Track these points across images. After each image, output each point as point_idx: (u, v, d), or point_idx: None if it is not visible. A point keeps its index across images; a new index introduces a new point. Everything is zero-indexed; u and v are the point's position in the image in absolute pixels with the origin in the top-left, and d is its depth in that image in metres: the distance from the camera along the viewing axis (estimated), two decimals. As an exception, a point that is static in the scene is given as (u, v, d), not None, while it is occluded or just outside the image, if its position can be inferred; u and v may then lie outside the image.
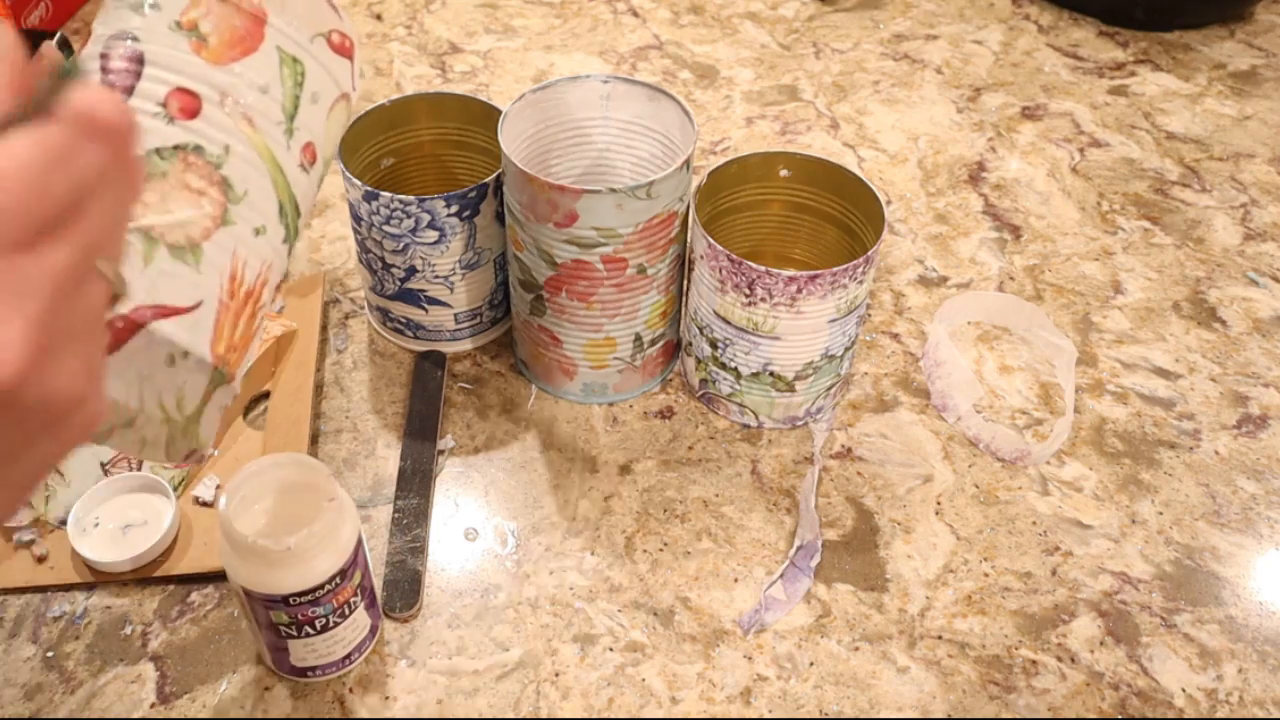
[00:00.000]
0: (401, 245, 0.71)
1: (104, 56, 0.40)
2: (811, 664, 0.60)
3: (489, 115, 0.75)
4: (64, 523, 0.63)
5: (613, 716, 0.58)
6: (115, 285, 0.30)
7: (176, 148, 0.38)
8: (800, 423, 0.73)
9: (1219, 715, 0.58)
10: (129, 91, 0.39)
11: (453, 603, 0.63)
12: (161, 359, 0.37)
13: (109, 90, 0.30)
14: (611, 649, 0.61)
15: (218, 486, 0.67)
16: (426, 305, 0.74)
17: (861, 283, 0.66)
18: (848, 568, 0.65)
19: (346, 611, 0.56)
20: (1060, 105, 1.04)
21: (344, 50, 0.44)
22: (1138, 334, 0.81)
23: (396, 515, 0.66)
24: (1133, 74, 1.09)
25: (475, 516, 0.67)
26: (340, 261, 0.85)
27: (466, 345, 0.78)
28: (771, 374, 0.69)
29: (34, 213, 0.26)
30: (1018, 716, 0.58)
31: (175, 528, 0.63)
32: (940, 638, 0.61)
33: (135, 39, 0.40)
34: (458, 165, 0.80)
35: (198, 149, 0.39)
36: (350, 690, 0.58)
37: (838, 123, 1.01)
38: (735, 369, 0.70)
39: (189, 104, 0.39)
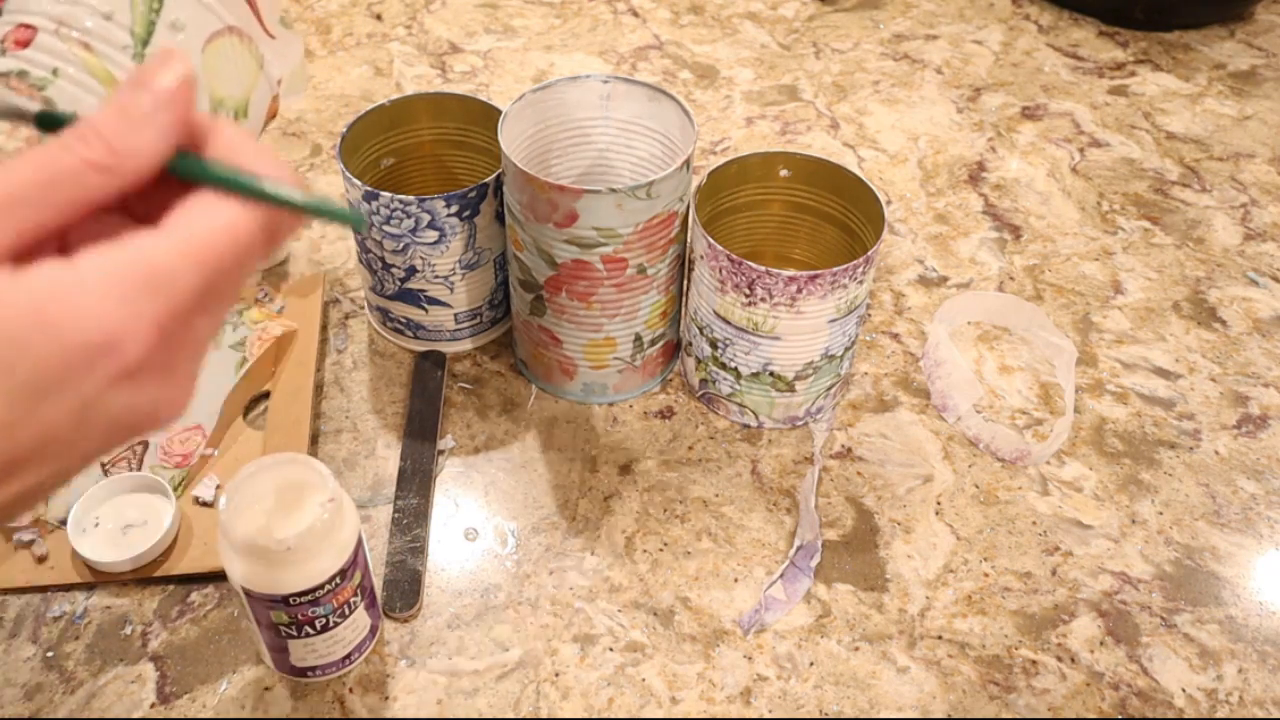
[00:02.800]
0: (401, 245, 0.71)
1: None
2: (811, 664, 0.60)
3: (489, 115, 0.74)
4: (64, 523, 0.63)
5: (613, 716, 0.58)
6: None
7: (0, 74, 0.38)
8: (800, 423, 0.73)
9: (1219, 715, 0.58)
10: None
11: (453, 603, 0.63)
12: None
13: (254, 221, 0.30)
14: (611, 649, 0.61)
15: (218, 486, 0.67)
16: (426, 305, 0.74)
17: (861, 283, 0.66)
18: (848, 568, 0.65)
19: (346, 611, 0.56)
20: (1060, 105, 1.04)
21: None
22: (1138, 334, 0.81)
23: (396, 515, 0.66)
24: (1133, 74, 1.09)
25: (475, 516, 0.67)
26: (340, 261, 0.85)
27: (466, 345, 0.78)
28: (771, 374, 0.69)
29: (224, 296, 0.29)
30: (1018, 716, 0.58)
31: (175, 528, 0.63)
32: (940, 638, 0.61)
33: None
34: (458, 165, 0.80)
35: (21, 74, 0.38)
36: (350, 690, 0.58)
37: (838, 123, 1.01)
38: (735, 369, 0.70)
39: (24, 35, 0.38)
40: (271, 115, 0.45)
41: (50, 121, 0.29)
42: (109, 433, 0.28)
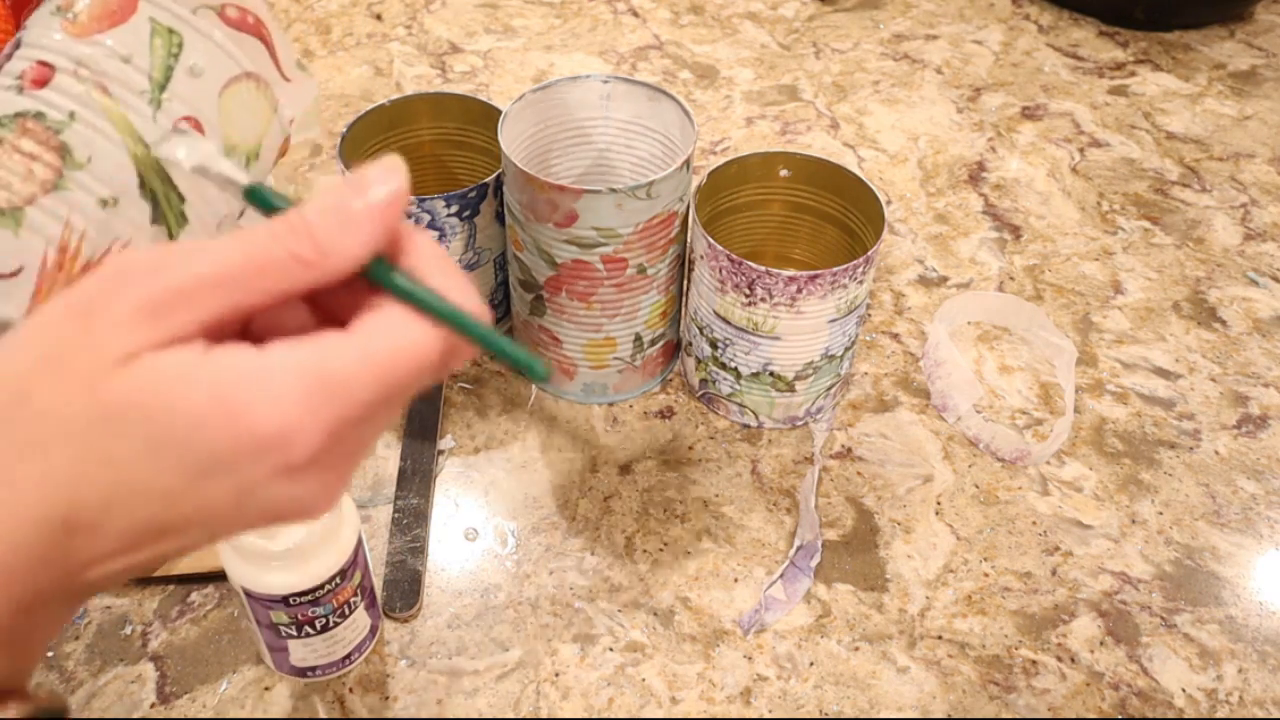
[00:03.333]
0: (401, 245, 0.71)
1: None
2: (811, 664, 0.60)
3: (489, 115, 0.75)
4: (64, 523, 0.63)
5: (613, 716, 0.58)
6: None
7: (17, 115, 0.37)
8: (800, 423, 0.73)
9: (1219, 715, 0.58)
10: None
11: (453, 603, 0.63)
12: None
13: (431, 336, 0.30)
14: (611, 649, 0.61)
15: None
16: (426, 305, 0.74)
17: (861, 283, 0.66)
18: (848, 568, 0.65)
19: (346, 611, 0.56)
20: (1060, 105, 1.04)
21: (245, 26, 0.42)
22: (1138, 334, 0.81)
23: (396, 515, 0.66)
24: (1133, 74, 1.09)
25: (475, 516, 0.67)
26: (340, 261, 0.85)
27: (466, 345, 0.78)
28: (771, 374, 0.69)
29: (396, 405, 0.30)
30: (1018, 716, 0.58)
31: (175, 528, 0.63)
32: (940, 638, 0.61)
33: (24, 27, 0.40)
34: (458, 165, 0.80)
35: (38, 115, 0.37)
36: (350, 690, 0.58)
37: (838, 123, 1.01)
38: (735, 369, 0.70)
39: (42, 74, 0.38)
40: (282, 153, 0.44)
41: (260, 199, 0.29)
42: (260, 517, 0.29)
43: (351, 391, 0.28)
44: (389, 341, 0.28)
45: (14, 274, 0.36)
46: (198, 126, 0.40)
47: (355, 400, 0.28)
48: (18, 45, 0.40)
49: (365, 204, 0.28)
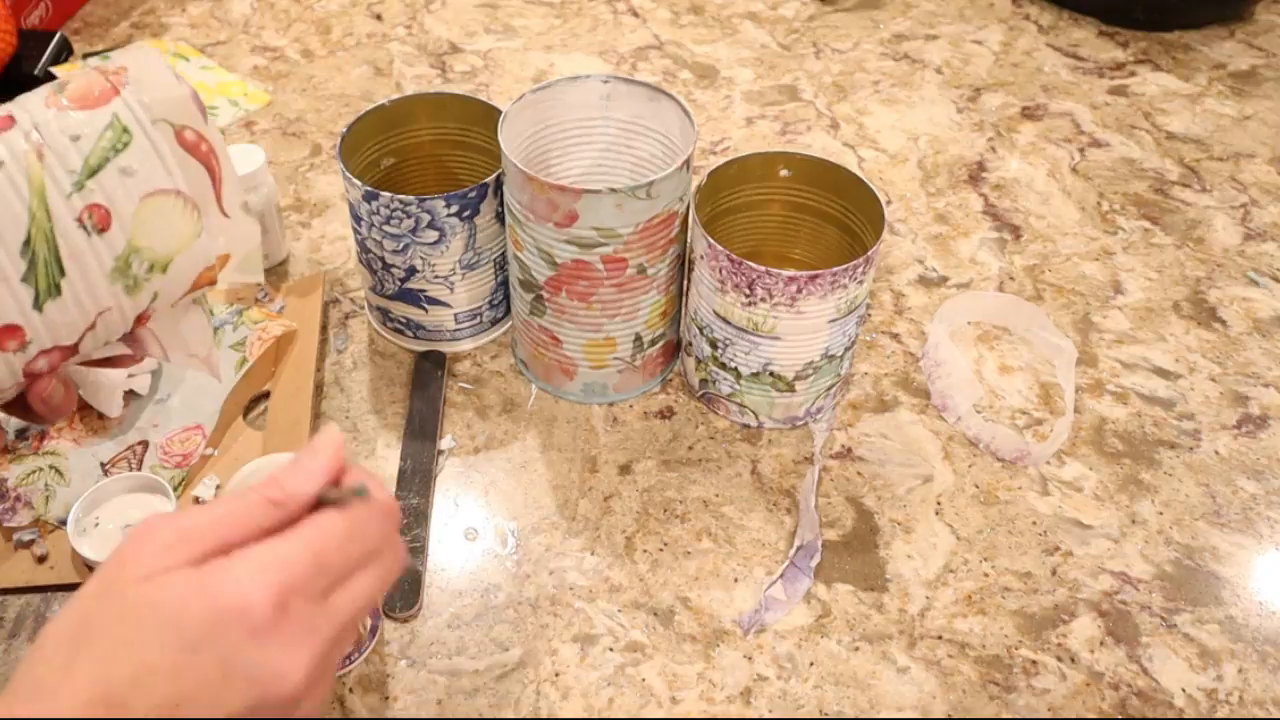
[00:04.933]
0: (401, 245, 0.71)
1: None
2: (811, 664, 0.60)
3: (489, 115, 0.74)
4: (64, 523, 0.63)
5: (613, 716, 0.58)
6: (362, 635, 0.42)
7: None
8: (800, 423, 0.73)
9: (1219, 715, 0.58)
10: None
11: (453, 603, 0.63)
12: None
13: (383, 489, 0.42)
14: (611, 649, 0.61)
15: (217, 486, 0.67)
16: (426, 305, 0.74)
17: (861, 283, 0.66)
18: (848, 568, 0.65)
19: (346, 611, 0.56)
20: (1060, 105, 1.04)
21: (195, 151, 0.44)
22: (1138, 334, 0.81)
23: (396, 515, 0.66)
24: (1133, 74, 1.09)
25: (475, 516, 0.67)
26: (340, 261, 0.85)
27: (466, 345, 0.78)
28: (771, 374, 0.69)
29: (336, 571, 0.39)
30: (1018, 716, 0.58)
31: (175, 528, 0.63)
32: (940, 638, 0.61)
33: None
34: (458, 165, 0.80)
35: None
36: (350, 690, 0.58)
37: (838, 123, 1.01)
38: (735, 369, 0.70)
39: (3, 123, 0.40)
40: (205, 283, 0.46)
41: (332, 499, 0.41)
42: (247, 686, 0.36)
43: (290, 563, 0.37)
44: (313, 523, 0.39)
45: None
46: (105, 218, 0.42)
47: (294, 569, 0.37)
48: (12, 98, 0.43)
49: (318, 461, 0.41)
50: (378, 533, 0.41)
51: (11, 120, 0.40)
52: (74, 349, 0.43)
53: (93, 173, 0.41)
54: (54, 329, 0.42)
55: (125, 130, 0.42)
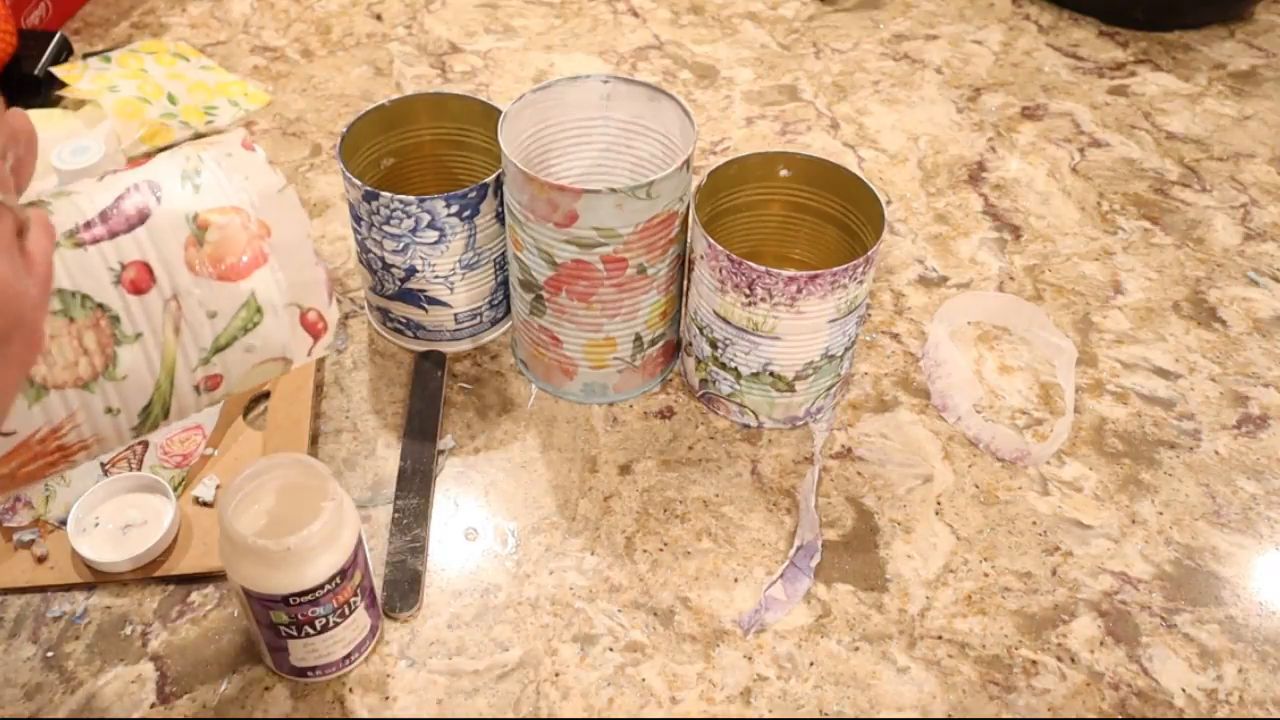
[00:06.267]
0: (401, 245, 0.71)
1: (125, 193, 0.40)
2: (811, 664, 0.60)
3: (489, 115, 0.74)
4: (64, 523, 0.63)
5: (613, 716, 0.58)
6: (18, 214, 0.34)
7: (100, 305, 0.39)
8: (800, 423, 0.73)
9: (1219, 715, 0.58)
10: (112, 235, 0.39)
11: (453, 603, 0.63)
12: None
13: None
14: (611, 649, 0.61)
15: (218, 486, 0.67)
16: (426, 305, 0.74)
17: (861, 283, 0.66)
18: (848, 568, 0.65)
19: (346, 611, 0.56)
20: (1060, 105, 1.04)
21: (313, 329, 0.44)
22: (1138, 334, 0.81)
23: (396, 515, 0.66)
24: (1133, 74, 1.09)
25: (475, 516, 0.67)
26: (340, 261, 0.85)
27: (466, 345, 0.78)
28: (771, 374, 0.69)
29: None
30: (1018, 716, 0.58)
31: (175, 528, 0.63)
32: (940, 638, 0.61)
33: (158, 198, 0.40)
34: (458, 165, 0.80)
35: (115, 319, 0.39)
36: (350, 690, 0.58)
37: (838, 123, 1.01)
38: (735, 369, 0.70)
39: (141, 282, 0.39)
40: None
41: None
42: None
43: None
44: None
45: (7, 434, 0.38)
46: (217, 383, 0.43)
47: None
48: (142, 220, 0.40)
49: None
50: None
51: (150, 278, 0.39)
52: None
53: (219, 350, 0.41)
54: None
55: (258, 311, 0.41)
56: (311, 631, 0.55)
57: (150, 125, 0.91)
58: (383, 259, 0.72)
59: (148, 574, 0.62)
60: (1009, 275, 0.85)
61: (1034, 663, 0.60)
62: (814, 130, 1.00)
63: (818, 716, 0.58)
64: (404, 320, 0.76)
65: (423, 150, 0.78)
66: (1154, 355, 0.79)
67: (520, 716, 0.58)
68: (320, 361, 0.76)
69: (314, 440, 0.71)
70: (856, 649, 0.61)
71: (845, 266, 0.64)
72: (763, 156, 0.72)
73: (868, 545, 0.66)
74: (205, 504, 0.66)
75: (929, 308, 0.82)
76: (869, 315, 0.81)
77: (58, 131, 0.89)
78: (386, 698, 0.58)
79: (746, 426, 0.73)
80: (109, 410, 0.40)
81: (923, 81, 1.07)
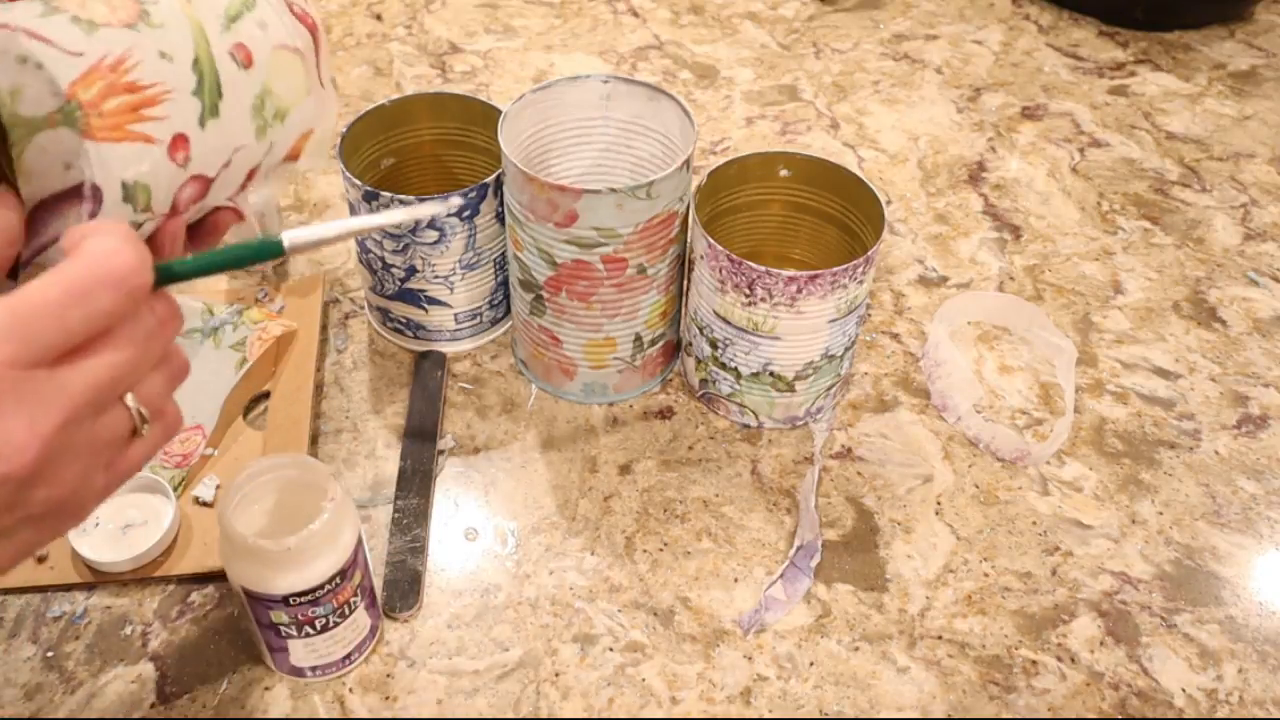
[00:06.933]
0: (401, 245, 0.71)
1: None
2: (811, 664, 0.60)
3: (489, 115, 0.75)
4: (64, 523, 0.63)
5: (613, 716, 0.58)
6: (135, 420, 0.38)
7: None
8: (800, 423, 0.73)
9: (1219, 715, 0.58)
10: None
11: (453, 603, 0.63)
12: (13, 55, 0.39)
13: (128, 243, 0.35)
14: (611, 649, 0.61)
15: (218, 486, 0.67)
16: (426, 305, 0.74)
17: (861, 283, 0.66)
18: (848, 568, 0.65)
19: (346, 611, 0.56)
20: (1060, 105, 1.04)
21: (303, 20, 0.48)
22: (1138, 334, 0.81)
23: (396, 515, 0.66)
24: (1133, 74, 1.09)
25: (475, 516, 0.67)
26: (340, 261, 0.85)
27: (466, 345, 0.78)
28: (771, 374, 0.69)
29: (52, 339, 0.33)
30: (1018, 716, 0.58)
31: (175, 528, 0.63)
32: (940, 638, 0.61)
33: None
34: (458, 165, 0.80)
35: None
36: (350, 690, 0.58)
37: (838, 123, 1.01)
38: (735, 369, 0.70)
39: None
40: (295, 155, 0.50)
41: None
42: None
43: (38, 304, 0.32)
44: (18, 292, 0.33)
45: (73, 53, 0.40)
46: (249, 57, 0.45)
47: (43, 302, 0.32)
48: None
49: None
50: (108, 302, 0.34)
51: None
52: (207, 187, 0.45)
53: (234, 19, 0.45)
54: (205, 153, 0.44)
55: None
56: (311, 631, 0.55)
57: None
58: (383, 259, 0.72)
59: (148, 574, 0.62)
60: (1009, 275, 0.85)
61: (1034, 663, 0.60)
62: (814, 130, 1.00)
63: (818, 716, 0.58)
64: (404, 320, 0.76)
65: (423, 150, 0.78)
66: (1154, 355, 0.79)
67: (520, 716, 0.58)
68: (320, 361, 0.76)
69: (314, 440, 0.71)
70: (856, 649, 0.61)
71: (845, 266, 0.64)
72: (763, 156, 0.72)
73: (868, 545, 0.66)
74: (205, 504, 0.66)
75: (929, 308, 0.82)
76: (869, 315, 0.81)
77: None
78: (386, 698, 0.58)
79: (746, 426, 0.73)
80: (162, 55, 0.42)
81: (923, 81, 1.07)
